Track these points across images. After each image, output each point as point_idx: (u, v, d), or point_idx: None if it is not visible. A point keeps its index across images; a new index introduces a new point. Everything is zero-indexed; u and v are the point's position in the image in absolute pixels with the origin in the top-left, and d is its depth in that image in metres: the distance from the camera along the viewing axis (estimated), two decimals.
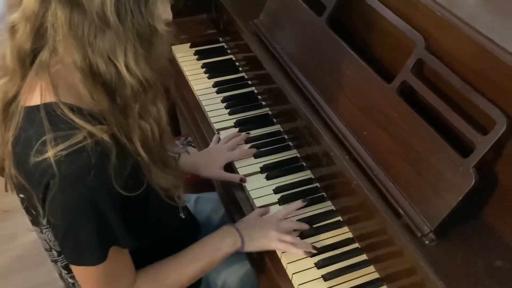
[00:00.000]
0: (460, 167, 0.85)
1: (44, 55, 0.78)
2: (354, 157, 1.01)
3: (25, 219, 2.00)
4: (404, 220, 0.90)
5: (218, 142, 1.28)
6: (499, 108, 0.83)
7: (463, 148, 0.87)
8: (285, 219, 1.07)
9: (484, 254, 0.86)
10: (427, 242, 0.87)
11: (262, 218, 1.07)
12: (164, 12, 0.81)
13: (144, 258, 0.95)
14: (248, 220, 1.07)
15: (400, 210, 0.91)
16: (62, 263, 1.00)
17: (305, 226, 1.07)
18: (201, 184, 1.40)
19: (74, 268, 0.86)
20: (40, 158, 0.74)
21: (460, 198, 0.84)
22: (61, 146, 0.74)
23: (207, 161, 1.22)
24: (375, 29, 1.13)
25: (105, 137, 0.76)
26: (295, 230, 1.06)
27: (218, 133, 1.32)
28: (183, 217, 1.07)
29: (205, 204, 1.30)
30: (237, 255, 1.12)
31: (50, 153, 0.73)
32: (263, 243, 1.03)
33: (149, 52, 0.77)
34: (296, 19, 1.26)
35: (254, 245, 1.03)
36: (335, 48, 1.13)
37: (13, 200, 2.06)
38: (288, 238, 1.03)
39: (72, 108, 0.77)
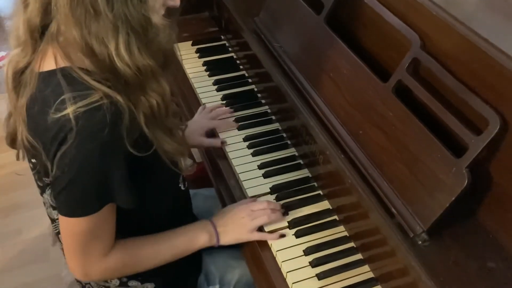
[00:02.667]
0: (453, 167, 0.84)
1: (53, 27, 0.82)
2: (349, 156, 1.01)
3: (29, 215, 2.03)
4: (397, 220, 0.90)
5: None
6: (492, 108, 0.82)
7: (457, 148, 0.87)
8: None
9: (477, 255, 0.85)
10: (420, 242, 0.87)
11: (236, 210, 1.08)
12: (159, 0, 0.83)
13: (139, 225, 0.98)
14: (225, 213, 1.09)
15: (393, 210, 0.91)
16: None
17: (277, 207, 1.09)
18: (198, 180, 1.41)
19: (63, 221, 0.89)
20: (59, 115, 0.78)
21: (453, 198, 0.84)
22: (79, 104, 0.78)
23: (189, 131, 1.25)
24: (372, 28, 1.12)
25: (119, 98, 0.81)
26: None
27: (204, 104, 1.38)
28: (182, 188, 1.09)
29: (202, 201, 1.31)
30: (238, 252, 1.13)
31: (69, 110, 0.78)
32: (236, 237, 1.06)
33: (145, 42, 0.80)
34: (295, 17, 1.26)
35: (229, 240, 1.06)
36: (332, 46, 1.12)
37: (18, 195, 2.09)
38: (258, 222, 1.05)
39: (86, 72, 0.81)
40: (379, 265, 0.98)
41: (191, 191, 1.34)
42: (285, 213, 1.10)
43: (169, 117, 0.90)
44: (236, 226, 1.06)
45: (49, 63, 0.84)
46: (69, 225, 0.88)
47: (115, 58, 0.78)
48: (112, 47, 0.77)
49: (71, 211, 0.86)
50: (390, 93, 0.97)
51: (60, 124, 0.79)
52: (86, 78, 0.80)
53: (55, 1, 0.77)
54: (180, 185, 1.09)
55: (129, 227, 0.97)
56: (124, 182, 0.85)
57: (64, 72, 0.82)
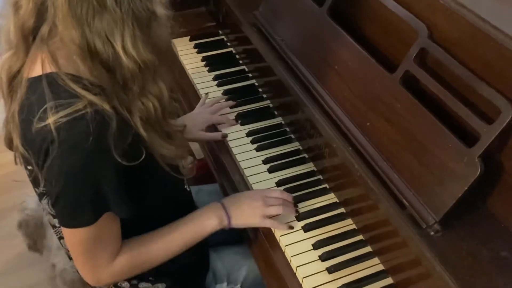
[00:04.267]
0: (465, 157, 0.84)
1: (43, 30, 0.79)
2: (357, 149, 1.01)
3: None
4: (408, 211, 0.90)
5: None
6: (504, 96, 0.82)
7: (468, 138, 0.86)
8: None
9: (489, 244, 0.85)
10: (432, 233, 0.86)
11: (251, 194, 1.07)
12: None
13: (146, 229, 0.97)
14: (237, 196, 1.07)
15: (405, 201, 0.90)
16: None
17: (290, 198, 1.08)
18: (202, 177, 1.39)
19: (64, 231, 0.87)
20: (42, 125, 0.76)
21: (466, 188, 0.83)
22: (61, 113, 0.76)
23: (189, 124, 1.22)
24: (376, 18, 1.11)
25: (106, 106, 0.78)
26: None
27: (206, 94, 1.36)
28: (188, 189, 1.08)
29: (206, 197, 1.30)
30: (244, 249, 1.11)
31: (50, 120, 0.75)
32: (248, 221, 1.04)
33: (148, 35, 0.79)
34: (297, 9, 1.24)
35: (240, 222, 1.04)
36: (336, 38, 1.11)
37: (16, 196, 2.06)
38: (273, 210, 1.03)
39: (73, 78, 0.79)
40: (390, 257, 0.97)
41: (195, 188, 1.33)
42: (296, 211, 1.08)
43: (166, 120, 0.89)
44: (249, 209, 1.03)
45: (37, 69, 0.81)
46: (71, 235, 0.87)
47: (122, 55, 0.76)
48: (118, 43, 0.76)
49: (67, 222, 0.85)
50: (397, 84, 0.97)
51: (42, 135, 0.77)
52: (72, 85, 0.78)
53: (52, 1, 0.74)
54: (185, 187, 1.07)
55: (136, 232, 0.96)
56: (118, 191, 0.83)
57: (49, 78, 0.79)
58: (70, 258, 1.09)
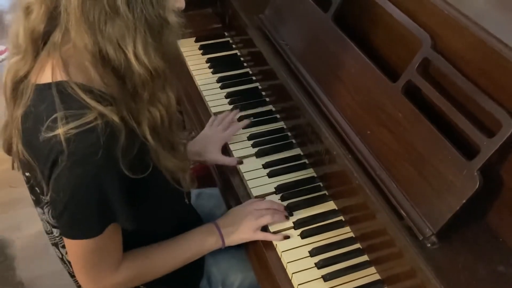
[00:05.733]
0: (464, 170, 0.83)
1: (56, 36, 0.79)
2: (357, 157, 1.00)
3: (29, 210, 2.01)
4: (406, 222, 0.89)
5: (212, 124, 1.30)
6: (505, 109, 0.81)
7: (468, 150, 0.85)
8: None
9: (486, 258, 0.84)
10: (429, 245, 0.86)
11: (240, 210, 1.07)
12: (176, 1, 0.81)
13: (148, 241, 0.98)
14: (229, 215, 1.08)
15: (402, 212, 0.90)
16: (61, 244, 1.02)
17: (281, 207, 1.08)
18: (202, 179, 1.39)
19: (67, 242, 0.87)
20: (50, 135, 0.75)
21: (464, 201, 0.82)
22: (71, 125, 0.75)
23: (203, 147, 1.22)
24: (381, 26, 1.11)
25: (115, 118, 0.77)
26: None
27: (214, 116, 1.34)
28: (187, 202, 1.09)
29: (206, 200, 1.30)
30: (240, 254, 1.11)
31: (60, 130, 0.74)
32: (241, 236, 1.05)
33: (159, 42, 0.78)
34: (302, 14, 1.24)
35: (233, 240, 1.05)
36: (340, 45, 1.11)
37: (17, 191, 2.07)
38: (262, 221, 1.04)
39: (83, 88, 0.78)
40: (386, 267, 0.96)
41: (195, 191, 1.32)
42: (290, 214, 1.08)
43: (173, 131, 0.88)
44: (240, 225, 1.05)
45: (46, 75, 0.80)
46: (74, 247, 0.86)
47: (134, 61, 0.75)
48: (130, 49, 0.75)
49: (73, 234, 0.84)
50: (399, 93, 0.96)
51: (51, 145, 0.76)
52: (82, 95, 0.77)
53: (65, 5, 0.73)
54: (185, 200, 1.08)
55: (135, 244, 0.96)
56: (124, 203, 0.82)
57: (59, 87, 0.78)
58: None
